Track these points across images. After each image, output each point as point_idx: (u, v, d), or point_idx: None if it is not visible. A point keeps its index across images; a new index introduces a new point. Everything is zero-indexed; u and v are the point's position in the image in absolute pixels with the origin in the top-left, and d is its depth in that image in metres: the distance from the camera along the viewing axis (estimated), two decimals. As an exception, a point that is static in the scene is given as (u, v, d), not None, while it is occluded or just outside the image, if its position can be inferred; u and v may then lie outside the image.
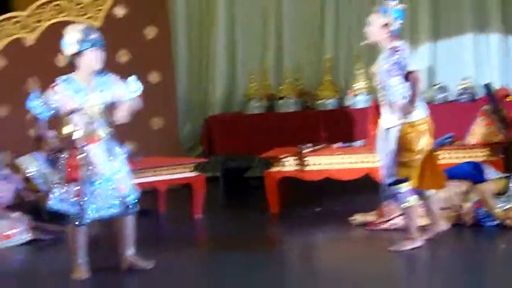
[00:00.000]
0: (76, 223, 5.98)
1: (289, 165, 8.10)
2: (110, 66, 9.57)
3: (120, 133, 9.60)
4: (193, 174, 8.22)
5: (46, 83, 9.22)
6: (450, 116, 9.26)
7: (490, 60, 10.32)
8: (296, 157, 8.09)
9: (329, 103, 10.07)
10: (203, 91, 10.92)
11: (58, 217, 8.17)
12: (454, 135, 8.13)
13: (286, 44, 10.80)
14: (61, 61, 9.47)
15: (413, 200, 6.29)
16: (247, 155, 10.25)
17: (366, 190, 8.88)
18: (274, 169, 8.19)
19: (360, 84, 9.91)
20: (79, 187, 5.91)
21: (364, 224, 7.22)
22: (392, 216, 7.05)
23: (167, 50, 10.06)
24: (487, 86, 8.74)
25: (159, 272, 6.12)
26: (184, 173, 8.18)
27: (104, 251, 6.47)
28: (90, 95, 5.97)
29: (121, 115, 6.03)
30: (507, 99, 9.55)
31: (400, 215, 6.94)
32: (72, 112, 5.92)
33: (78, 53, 5.92)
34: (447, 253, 6.51)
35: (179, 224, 8.15)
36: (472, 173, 7.06)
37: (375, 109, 6.39)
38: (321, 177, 8.08)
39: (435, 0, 10.49)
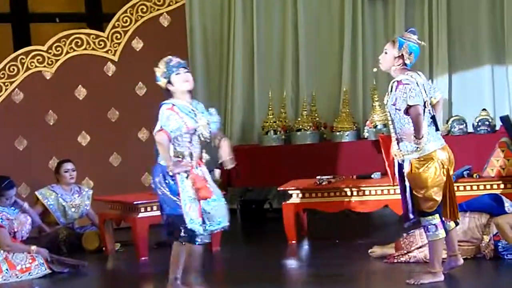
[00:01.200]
0: (204, 242, 6.12)
1: (307, 197, 8.09)
2: (129, 98, 9.74)
3: (139, 165, 9.74)
4: (211, 206, 8.20)
5: (65, 115, 9.46)
6: (468, 148, 9.25)
7: (509, 91, 10.31)
8: (314, 189, 8.08)
9: (347, 135, 10.08)
10: (221, 124, 10.91)
11: (76, 250, 8.26)
12: (473, 167, 8.10)
13: (303, 77, 10.84)
14: (80, 94, 9.58)
15: (442, 233, 6.25)
16: (264, 187, 10.26)
17: (385, 222, 8.88)
18: (292, 201, 8.18)
19: (377, 116, 9.92)
20: (198, 206, 6.04)
21: (383, 257, 7.18)
22: (411, 249, 7.01)
23: (185, 82, 10.09)
24: (505, 118, 8.72)
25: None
26: (202, 205, 8.16)
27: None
28: (198, 115, 6.11)
29: (228, 159, 6.21)
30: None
31: (419, 247, 6.92)
32: (187, 132, 6.05)
33: (168, 82, 6.11)
34: (467, 287, 6.46)
35: (197, 257, 8.12)
36: (492, 206, 7.01)
37: (383, 141, 6.38)
38: (339, 209, 8.07)
39: (453, 33, 10.53)
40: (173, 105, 6.06)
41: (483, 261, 6.89)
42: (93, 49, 9.65)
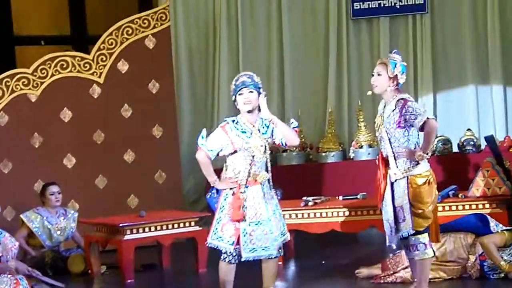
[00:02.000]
0: (230, 261, 6.15)
1: (293, 217, 8.09)
2: (114, 120, 9.73)
3: (125, 187, 9.72)
4: (197, 228, 8.20)
5: (51, 138, 9.44)
6: (453, 168, 9.28)
7: (494, 111, 10.38)
8: (300, 210, 8.08)
9: (332, 155, 10.11)
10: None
11: (62, 273, 8.21)
12: (458, 187, 8.12)
13: (289, 97, 10.89)
14: (66, 116, 9.56)
15: (430, 252, 6.25)
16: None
17: (371, 243, 8.87)
18: (278, 222, 8.16)
19: (363, 136, 9.95)
20: (237, 226, 6.08)
21: (370, 277, 7.18)
22: (397, 269, 7.02)
23: (171, 104, 10.11)
24: (489, 138, 8.77)
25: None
26: (188, 227, 8.16)
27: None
28: (253, 136, 6.16)
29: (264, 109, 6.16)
30: (512, 150, 9.59)
31: (406, 267, 6.92)
32: (236, 151, 6.13)
33: (234, 100, 6.21)
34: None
35: (184, 279, 8.11)
36: (478, 225, 7.03)
37: (383, 161, 6.34)
38: (326, 230, 8.07)
39: (437, 52, 10.60)
40: (228, 123, 6.19)
41: (469, 281, 6.90)
42: (78, 71, 9.64)
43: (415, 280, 6.41)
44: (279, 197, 6.36)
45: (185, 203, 10.43)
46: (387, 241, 6.28)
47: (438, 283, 6.85)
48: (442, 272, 6.97)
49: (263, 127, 6.23)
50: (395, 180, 6.19)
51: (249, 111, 6.18)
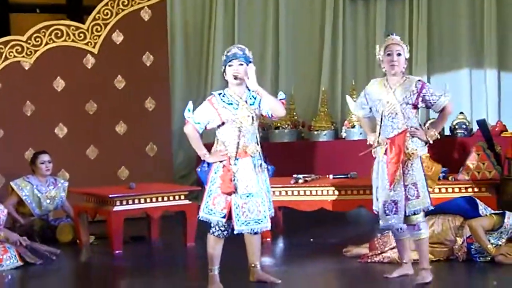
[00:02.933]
0: (219, 235, 6.17)
1: (283, 195, 8.10)
2: (107, 91, 9.72)
3: (116, 159, 9.73)
4: (186, 201, 8.22)
5: (43, 107, 9.42)
6: (444, 151, 9.30)
7: (487, 95, 10.39)
8: (290, 187, 8.09)
9: (324, 134, 10.12)
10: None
11: (50, 242, 8.22)
12: (448, 170, 8.14)
13: (283, 74, 10.87)
14: (59, 85, 9.54)
15: (427, 231, 6.38)
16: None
17: (360, 222, 8.91)
18: (268, 198, 8.17)
19: (355, 116, 9.93)
20: (229, 200, 6.07)
21: (357, 256, 7.21)
22: (385, 249, 7.05)
23: (164, 77, 10.09)
24: (481, 122, 8.78)
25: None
26: (178, 200, 8.17)
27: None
28: (240, 106, 6.13)
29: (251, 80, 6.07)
30: (503, 134, 9.61)
31: (393, 248, 6.95)
32: (223, 123, 6.10)
33: (223, 71, 6.18)
34: None
35: (172, 252, 8.13)
36: (466, 208, 7.06)
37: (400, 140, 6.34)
38: (315, 208, 8.08)
39: (432, 35, 10.59)
40: (214, 96, 6.16)
41: (455, 263, 6.94)
42: (73, 41, 9.61)
43: (404, 261, 6.47)
44: (270, 174, 6.34)
45: (175, 177, 10.44)
46: (385, 221, 6.30)
47: (425, 265, 6.88)
48: (429, 253, 6.99)
49: (251, 99, 6.19)
50: (408, 159, 6.23)
51: (237, 84, 6.16)
